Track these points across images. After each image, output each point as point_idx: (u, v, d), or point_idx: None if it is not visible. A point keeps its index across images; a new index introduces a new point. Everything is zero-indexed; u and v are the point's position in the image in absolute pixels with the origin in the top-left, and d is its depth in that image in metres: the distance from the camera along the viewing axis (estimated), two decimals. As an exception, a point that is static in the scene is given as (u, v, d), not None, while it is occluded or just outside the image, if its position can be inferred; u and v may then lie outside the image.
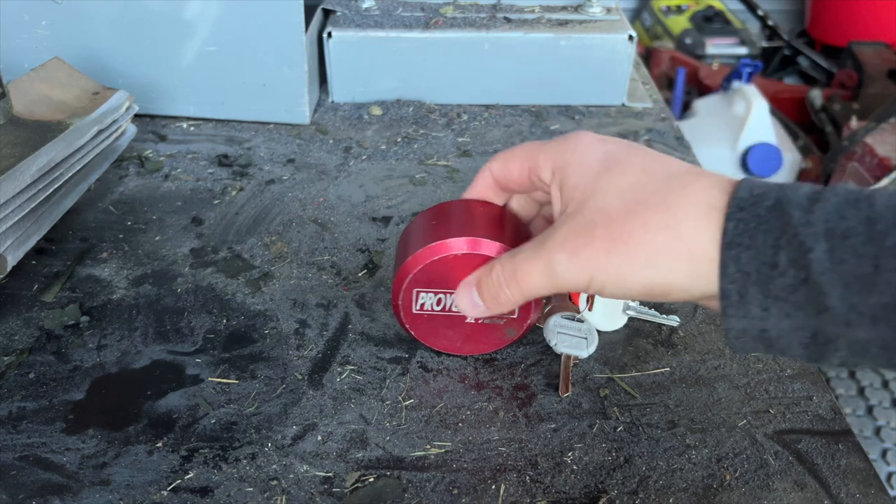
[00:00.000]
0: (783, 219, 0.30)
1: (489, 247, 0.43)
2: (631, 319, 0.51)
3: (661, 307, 0.53)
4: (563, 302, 0.51)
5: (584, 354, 0.47)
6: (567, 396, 0.46)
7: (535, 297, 0.39)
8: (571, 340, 0.48)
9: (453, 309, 0.46)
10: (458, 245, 0.43)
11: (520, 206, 0.46)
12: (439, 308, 0.46)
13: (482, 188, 0.45)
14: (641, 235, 0.33)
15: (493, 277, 0.39)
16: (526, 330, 0.47)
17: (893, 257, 0.28)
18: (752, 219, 0.31)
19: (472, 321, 0.46)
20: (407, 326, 0.47)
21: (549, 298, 0.51)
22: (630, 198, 0.34)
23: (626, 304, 0.50)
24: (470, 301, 0.41)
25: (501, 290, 0.39)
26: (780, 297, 0.30)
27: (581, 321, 0.49)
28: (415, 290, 0.45)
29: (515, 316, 0.46)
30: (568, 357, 0.47)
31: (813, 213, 0.30)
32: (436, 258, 0.44)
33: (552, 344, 0.48)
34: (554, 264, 0.36)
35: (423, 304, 0.46)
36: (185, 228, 0.60)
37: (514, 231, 0.45)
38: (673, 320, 0.51)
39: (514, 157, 0.42)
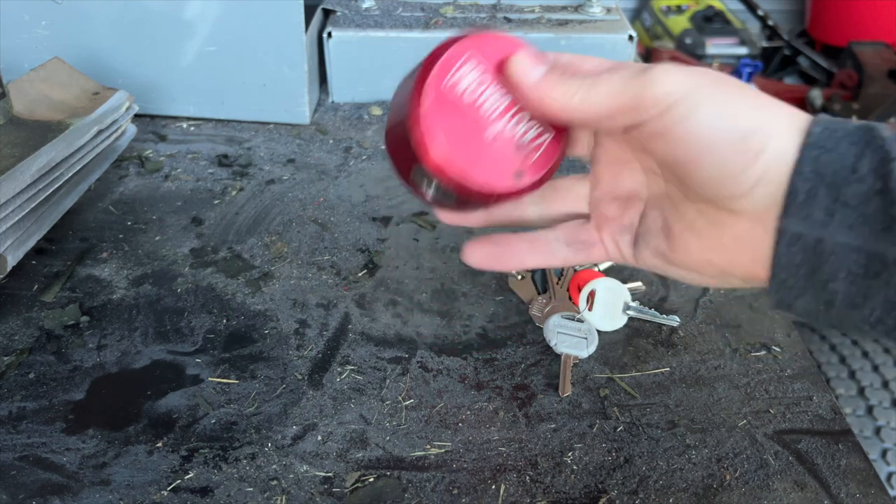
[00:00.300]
0: (871, 134, 0.29)
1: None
2: (631, 319, 0.51)
3: (661, 307, 0.53)
4: (563, 302, 0.51)
5: (584, 354, 0.47)
6: (567, 396, 0.46)
7: (599, 111, 0.33)
8: (571, 340, 0.48)
9: (486, 106, 0.35)
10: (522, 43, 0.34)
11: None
12: (473, 98, 0.35)
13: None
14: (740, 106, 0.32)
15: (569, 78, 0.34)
16: (531, 187, 0.36)
17: None
18: (838, 129, 0.30)
19: (500, 131, 0.35)
20: (421, 107, 0.35)
21: (549, 298, 0.51)
22: (714, 113, 0.32)
23: (626, 304, 0.50)
24: (527, 69, 0.34)
25: (570, 87, 0.33)
26: (850, 205, 0.29)
27: (581, 321, 0.49)
28: (461, 60, 0.35)
29: (536, 158, 0.36)
30: (568, 357, 0.47)
31: None
32: (500, 44, 0.35)
33: (552, 344, 0.48)
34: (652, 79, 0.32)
35: (458, 83, 0.35)
36: (185, 228, 0.60)
37: None
38: (673, 320, 0.51)
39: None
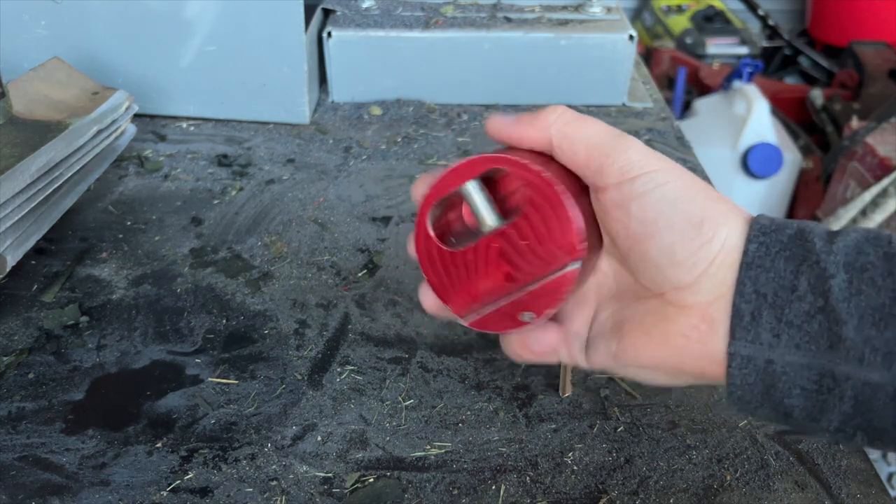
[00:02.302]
0: (805, 246, 0.30)
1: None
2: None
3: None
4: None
5: None
6: (567, 397, 0.46)
7: None
8: None
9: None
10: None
11: None
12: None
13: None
14: (666, 235, 0.32)
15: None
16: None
17: None
18: (773, 243, 0.30)
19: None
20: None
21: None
22: (660, 197, 0.33)
23: None
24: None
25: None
26: (794, 324, 0.30)
27: None
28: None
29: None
30: None
31: (834, 243, 0.30)
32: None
33: None
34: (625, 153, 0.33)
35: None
36: (185, 228, 0.60)
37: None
38: None
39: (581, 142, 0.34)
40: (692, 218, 0.32)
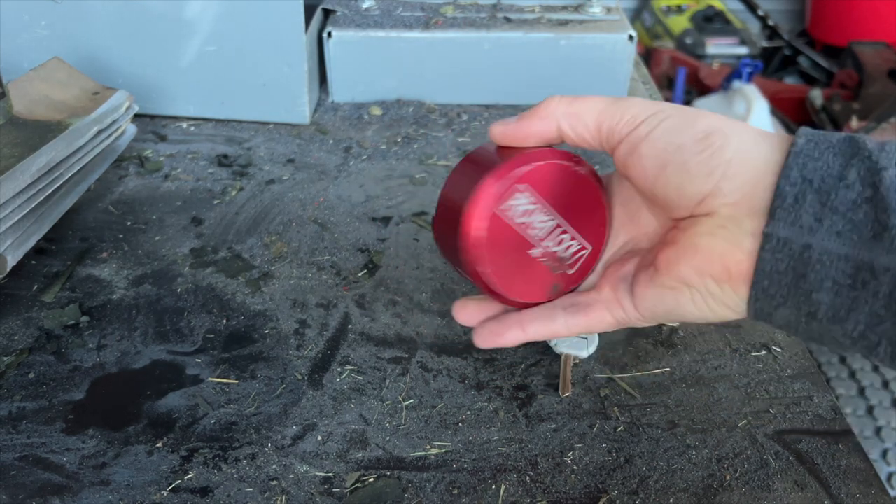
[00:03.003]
0: (856, 146, 0.29)
1: (599, 185, 0.39)
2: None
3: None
4: None
5: (584, 354, 0.47)
6: (567, 397, 0.46)
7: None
8: (571, 340, 0.48)
9: (533, 228, 0.38)
10: (581, 162, 0.38)
11: None
12: (521, 221, 0.37)
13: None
14: (694, 163, 0.33)
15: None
16: (562, 293, 0.40)
17: None
18: (823, 141, 0.30)
19: (536, 255, 0.38)
20: (472, 228, 0.37)
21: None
22: (686, 131, 0.34)
23: None
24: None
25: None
26: (839, 211, 0.28)
27: None
28: (516, 187, 0.37)
29: (572, 272, 0.40)
30: (568, 357, 0.47)
31: (886, 146, 0.29)
32: (556, 162, 0.38)
33: (552, 344, 0.48)
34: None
35: (511, 207, 0.37)
36: (185, 228, 0.60)
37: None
38: None
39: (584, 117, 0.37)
40: (696, 134, 0.32)
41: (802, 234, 0.29)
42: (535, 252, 0.38)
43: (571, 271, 0.40)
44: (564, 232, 0.39)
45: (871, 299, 0.28)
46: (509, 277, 0.38)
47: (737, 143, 0.31)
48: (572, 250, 0.39)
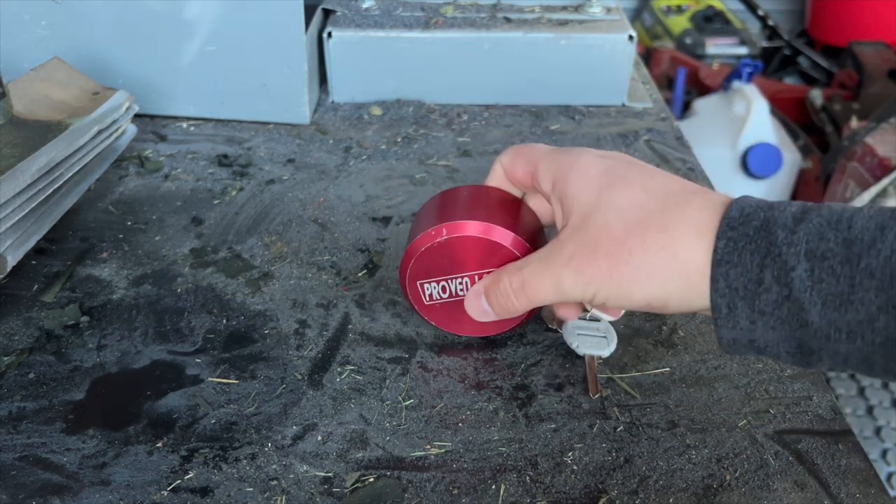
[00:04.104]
0: (769, 239, 0.32)
1: (474, 227, 0.44)
2: (633, 318, 0.51)
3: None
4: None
5: (605, 353, 0.47)
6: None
7: (542, 304, 0.41)
8: (592, 340, 0.48)
9: (459, 293, 0.47)
10: (441, 231, 0.45)
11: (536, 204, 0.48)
12: (446, 295, 0.47)
13: (497, 180, 0.47)
14: (641, 256, 0.36)
15: (500, 288, 0.42)
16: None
17: (868, 278, 0.30)
18: (740, 238, 0.33)
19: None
20: (426, 319, 0.49)
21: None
22: (630, 216, 0.36)
23: None
24: (479, 309, 0.44)
25: (510, 301, 0.42)
26: (766, 312, 0.33)
27: (597, 319, 0.49)
28: (418, 283, 0.47)
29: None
30: (592, 358, 0.47)
31: (796, 233, 0.32)
32: (424, 248, 0.45)
33: (574, 346, 0.47)
34: (561, 280, 0.38)
35: (430, 295, 0.47)
36: (185, 228, 0.60)
37: (501, 207, 0.46)
38: None
39: (520, 157, 0.44)
40: (651, 244, 0.36)
41: (744, 333, 0.34)
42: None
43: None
44: (482, 276, 0.45)
45: (819, 362, 0.33)
46: (481, 326, 0.48)
47: (685, 251, 0.35)
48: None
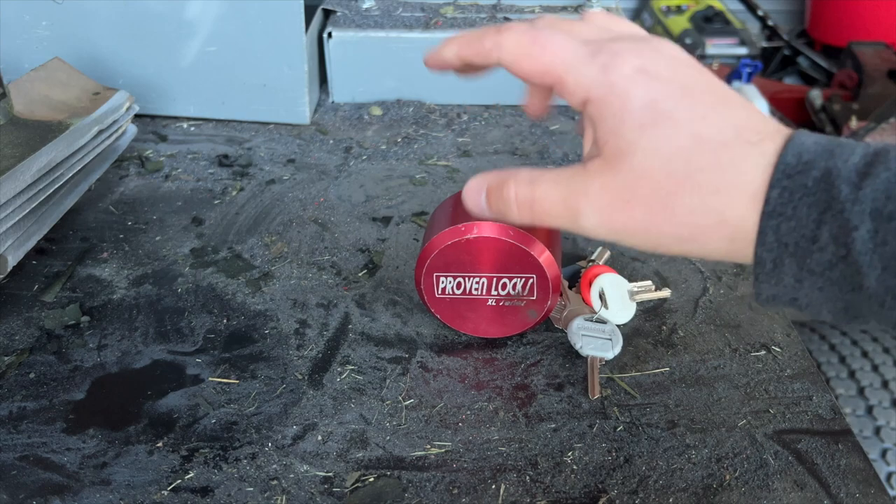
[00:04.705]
0: (830, 192, 0.29)
1: (503, 230, 0.45)
2: (632, 318, 0.51)
3: (661, 307, 0.53)
4: (579, 304, 0.51)
5: (609, 356, 0.47)
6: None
7: (546, 227, 0.37)
8: (597, 342, 0.48)
9: (473, 292, 0.47)
10: (472, 229, 0.45)
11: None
12: (460, 291, 0.48)
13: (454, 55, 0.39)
14: (685, 216, 0.32)
15: (503, 194, 0.36)
16: (547, 312, 0.48)
17: None
18: (797, 189, 0.29)
19: (493, 304, 0.48)
20: (432, 311, 0.49)
21: (565, 301, 0.51)
22: (677, 168, 0.31)
23: (630, 293, 0.51)
24: (476, 202, 0.38)
25: (510, 211, 0.36)
26: (816, 272, 0.30)
27: (603, 321, 0.49)
28: (434, 275, 0.47)
29: (535, 298, 0.47)
30: (594, 359, 0.47)
31: (862, 189, 0.29)
32: (450, 242, 0.45)
33: (577, 347, 0.47)
34: (580, 216, 0.34)
35: (444, 288, 0.48)
36: (186, 228, 0.60)
37: None
38: (665, 291, 0.53)
39: (536, 48, 0.34)
40: (698, 205, 0.31)
41: (787, 291, 0.31)
42: (491, 302, 0.48)
43: (533, 297, 0.47)
44: (500, 279, 0.46)
45: (864, 321, 0.31)
46: (485, 327, 0.49)
47: (739, 210, 0.31)
48: (520, 285, 0.47)
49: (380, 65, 0.77)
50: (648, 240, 0.33)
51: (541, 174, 0.35)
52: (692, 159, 0.31)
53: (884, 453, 1.30)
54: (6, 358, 0.47)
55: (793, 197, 0.30)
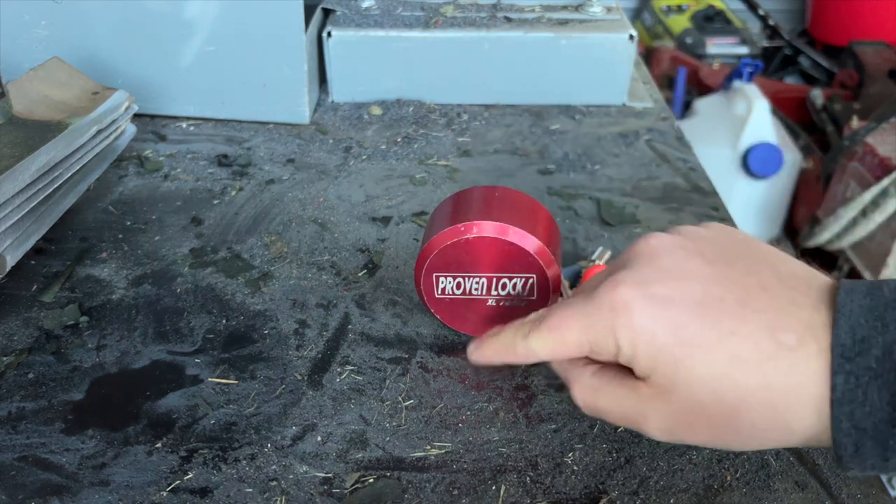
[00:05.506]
0: (894, 370, 0.28)
1: (502, 230, 0.45)
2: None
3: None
4: None
5: None
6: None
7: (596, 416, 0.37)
8: None
9: (473, 292, 0.47)
10: (471, 229, 0.45)
11: None
12: (459, 292, 0.47)
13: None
14: (749, 431, 0.31)
15: (574, 391, 0.36)
16: None
17: None
18: (862, 373, 0.28)
19: (494, 304, 0.48)
20: (432, 311, 0.49)
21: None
22: (725, 396, 0.30)
23: None
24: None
25: (586, 406, 0.36)
26: None
27: None
28: (434, 275, 0.47)
29: (535, 298, 0.47)
30: None
31: None
32: (450, 242, 0.45)
33: None
34: (643, 431, 0.34)
35: (443, 289, 0.48)
36: (185, 228, 0.60)
37: (529, 215, 0.46)
38: None
39: (560, 348, 0.35)
40: (759, 422, 0.31)
41: (875, 467, 0.29)
42: (491, 302, 0.48)
43: (533, 297, 0.47)
44: (500, 279, 0.46)
45: None
46: (484, 327, 0.48)
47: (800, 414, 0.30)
48: (520, 286, 0.47)
49: (379, 64, 0.77)
50: (718, 447, 0.33)
51: (599, 383, 0.34)
52: (738, 382, 0.30)
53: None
54: (5, 358, 0.47)
55: (860, 382, 0.28)
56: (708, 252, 0.33)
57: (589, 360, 0.36)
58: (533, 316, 0.36)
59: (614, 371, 0.34)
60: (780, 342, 0.30)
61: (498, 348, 0.37)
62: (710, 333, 0.30)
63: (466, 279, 0.47)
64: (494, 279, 0.46)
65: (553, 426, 0.44)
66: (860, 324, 0.29)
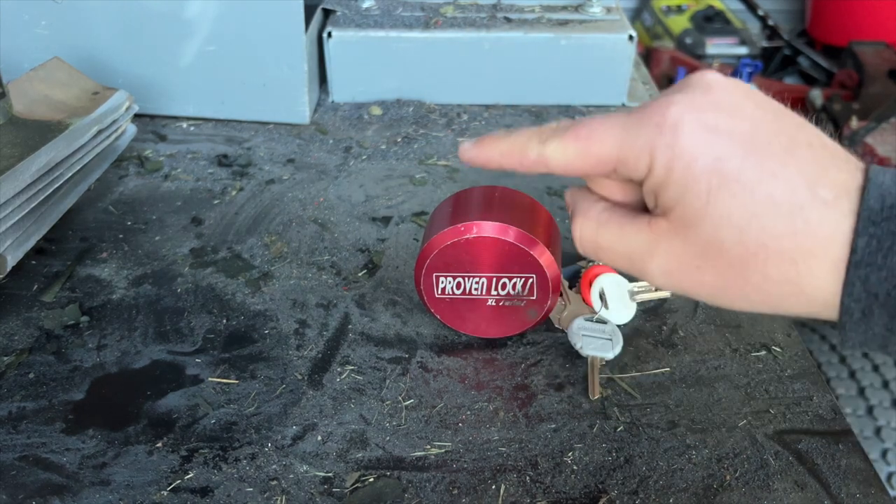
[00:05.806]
0: None
1: (503, 230, 0.45)
2: (632, 318, 0.51)
3: (661, 307, 0.53)
4: (579, 304, 0.51)
5: (609, 356, 0.47)
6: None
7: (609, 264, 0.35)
8: (597, 342, 0.48)
9: (473, 292, 0.47)
10: (471, 229, 0.45)
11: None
12: (459, 291, 0.47)
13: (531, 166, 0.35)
14: (759, 283, 0.30)
15: (577, 235, 0.34)
16: (547, 312, 0.48)
17: None
18: (886, 236, 0.28)
19: (494, 304, 0.48)
20: (432, 311, 0.49)
21: (566, 301, 0.51)
22: (749, 237, 0.29)
23: (631, 293, 0.51)
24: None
25: (584, 242, 0.34)
26: None
27: (603, 321, 0.49)
28: (434, 275, 0.47)
29: (535, 298, 0.47)
30: (595, 359, 0.47)
31: None
32: (450, 242, 0.45)
33: (577, 347, 0.47)
34: (644, 272, 0.33)
35: (443, 288, 0.47)
36: (185, 228, 0.60)
37: (529, 215, 0.47)
38: (664, 293, 0.52)
39: (582, 154, 0.32)
40: (773, 273, 0.30)
41: (877, 339, 0.29)
42: (491, 302, 0.48)
43: (533, 297, 0.47)
44: (500, 279, 0.46)
45: None
46: (484, 327, 0.49)
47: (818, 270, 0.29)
48: (520, 285, 0.47)
49: (379, 64, 0.77)
50: (717, 300, 0.32)
51: (608, 217, 0.33)
52: (766, 226, 0.29)
53: (884, 453, 1.30)
54: (5, 358, 0.47)
55: (882, 245, 0.28)
56: (761, 100, 0.33)
57: (599, 198, 0.34)
58: (555, 124, 0.33)
59: (625, 209, 0.34)
60: (817, 195, 0.29)
61: (505, 149, 0.34)
62: (751, 171, 0.29)
63: (466, 279, 0.47)
64: (494, 279, 0.46)
65: (553, 426, 0.44)
66: (890, 192, 0.28)
